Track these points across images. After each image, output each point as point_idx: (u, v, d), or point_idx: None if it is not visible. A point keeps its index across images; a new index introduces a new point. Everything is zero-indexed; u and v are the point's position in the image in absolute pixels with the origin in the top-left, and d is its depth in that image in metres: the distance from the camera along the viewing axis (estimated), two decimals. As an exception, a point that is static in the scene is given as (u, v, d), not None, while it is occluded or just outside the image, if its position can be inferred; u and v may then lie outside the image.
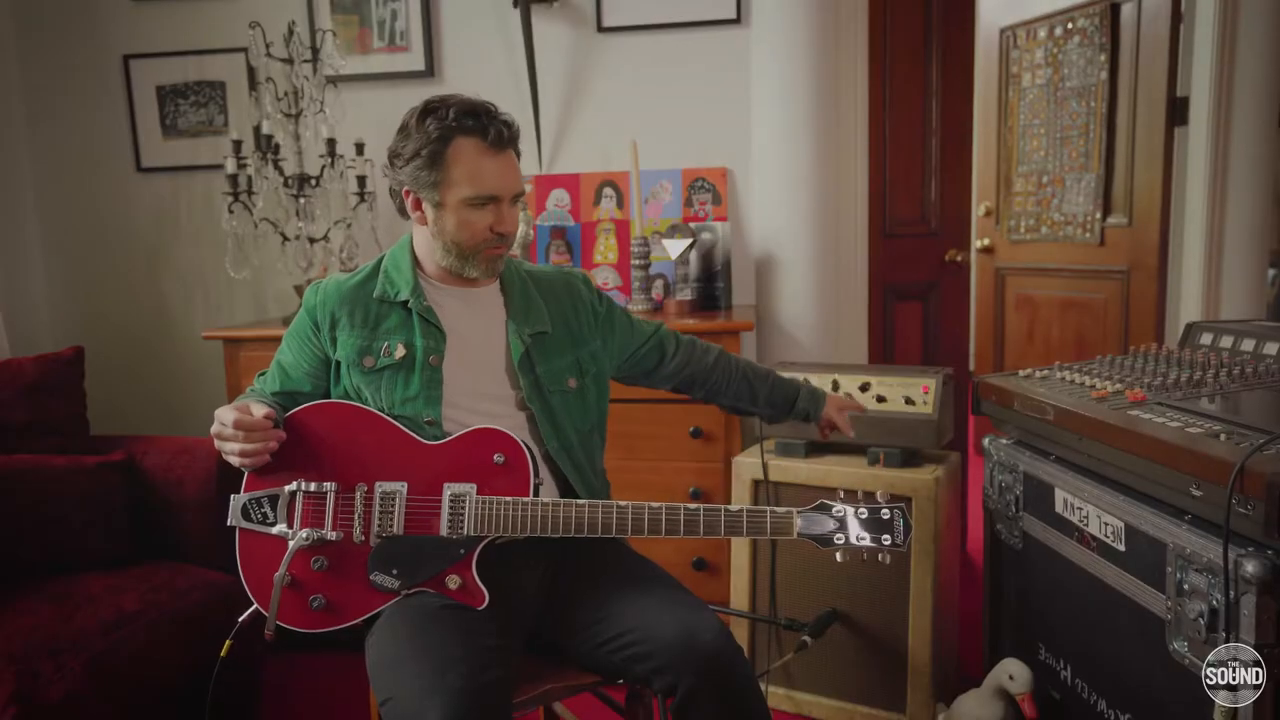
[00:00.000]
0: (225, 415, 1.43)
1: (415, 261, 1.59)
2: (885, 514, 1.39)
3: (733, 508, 1.41)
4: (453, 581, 1.42)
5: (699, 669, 1.33)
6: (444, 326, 1.55)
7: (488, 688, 1.26)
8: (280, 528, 1.44)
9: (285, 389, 1.57)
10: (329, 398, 1.58)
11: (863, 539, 1.38)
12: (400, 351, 1.52)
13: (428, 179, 1.48)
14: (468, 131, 1.46)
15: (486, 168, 1.48)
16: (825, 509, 1.40)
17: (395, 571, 1.42)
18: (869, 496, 1.43)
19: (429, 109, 1.48)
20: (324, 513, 1.45)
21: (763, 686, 2.22)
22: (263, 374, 1.64)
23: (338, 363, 1.55)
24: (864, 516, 1.39)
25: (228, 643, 1.48)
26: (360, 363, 1.53)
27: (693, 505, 1.43)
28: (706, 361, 1.78)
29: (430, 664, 1.27)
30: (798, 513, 1.40)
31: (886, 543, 1.38)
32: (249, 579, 1.46)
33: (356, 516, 1.45)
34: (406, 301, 1.54)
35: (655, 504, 1.42)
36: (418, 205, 1.53)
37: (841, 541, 1.39)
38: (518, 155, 1.55)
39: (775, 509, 1.40)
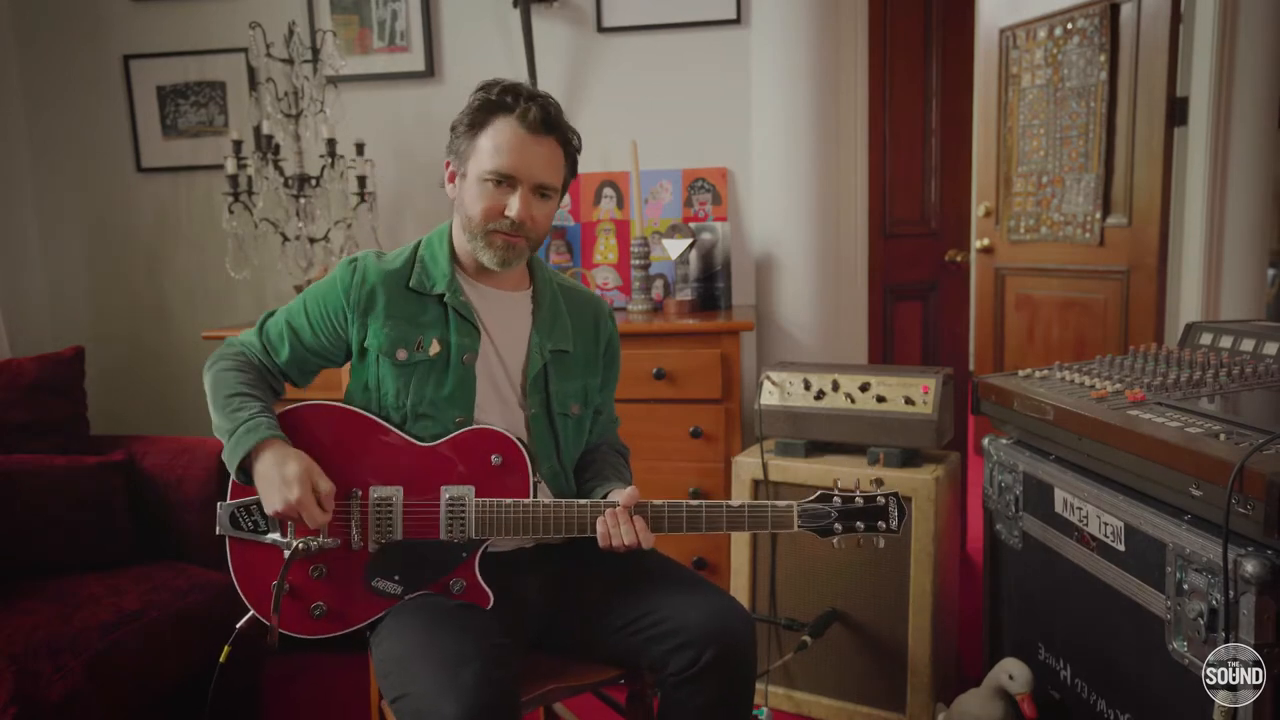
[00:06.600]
0: (318, 517, 1.37)
1: (452, 254, 1.55)
2: (880, 501, 1.44)
3: (734, 502, 1.43)
4: (456, 585, 1.42)
5: (727, 645, 1.37)
6: (478, 324, 1.52)
7: (501, 683, 1.26)
8: (273, 536, 1.42)
9: (294, 357, 1.54)
10: (325, 365, 1.57)
11: (859, 527, 1.43)
12: (435, 348, 1.49)
13: (461, 147, 1.50)
14: (505, 108, 1.46)
15: (512, 146, 1.44)
16: (824, 499, 1.44)
17: (397, 577, 1.42)
18: (864, 487, 1.46)
19: (483, 85, 1.49)
20: None
21: (763, 686, 2.23)
22: (246, 339, 1.56)
23: (364, 350, 1.51)
24: (860, 505, 1.43)
25: (226, 649, 1.47)
26: (393, 354, 1.49)
27: (694, 501, 1.43)
28: (595, 457, 1.66)
29: (443, 660, 1.27)
30: (797, 505, 1.43)
31: (882, 528, 1.43)
32: (245, 588, 1.44)
33: (353, 522, 1.43)
34: (442, 295, 1.51)
35: (657, 501, 1.42)
36: (453, 177, 1.53)
37: (840, 530, 1.43)
38: (567, 149, 1.51)
39: (775, 503, 1.43)
